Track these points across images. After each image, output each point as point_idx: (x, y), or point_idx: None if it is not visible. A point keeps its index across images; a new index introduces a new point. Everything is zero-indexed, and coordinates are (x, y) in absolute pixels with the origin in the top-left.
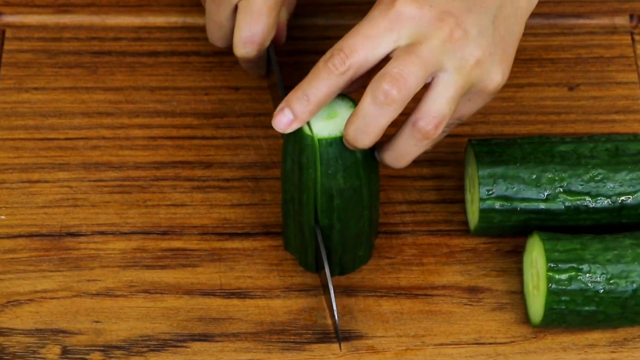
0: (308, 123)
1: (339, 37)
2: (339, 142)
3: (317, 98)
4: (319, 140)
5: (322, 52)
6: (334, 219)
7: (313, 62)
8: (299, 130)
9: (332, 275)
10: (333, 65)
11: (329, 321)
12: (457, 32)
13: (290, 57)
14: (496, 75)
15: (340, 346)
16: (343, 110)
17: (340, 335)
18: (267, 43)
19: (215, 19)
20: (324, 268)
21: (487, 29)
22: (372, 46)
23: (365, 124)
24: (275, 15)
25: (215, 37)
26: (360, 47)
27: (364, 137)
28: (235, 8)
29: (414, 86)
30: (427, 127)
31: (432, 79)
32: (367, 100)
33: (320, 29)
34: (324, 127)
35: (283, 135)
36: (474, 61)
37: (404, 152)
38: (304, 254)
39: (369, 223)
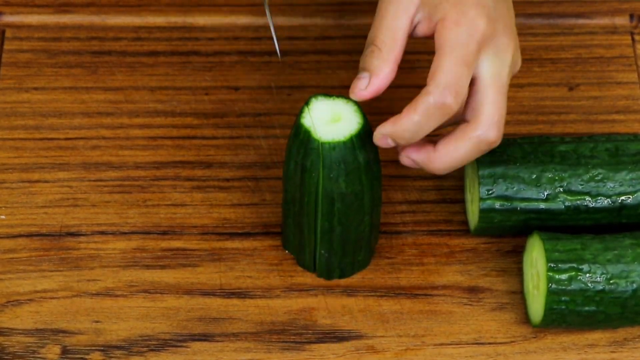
0: (313, 127)
1: (339, 37)
2: (342, 146)
3: (425, 132)
4: (322, 143)
5: (322, 52)
6: (335, 222)
7: (313, 62)
8: (306, 134)
9: (331, 278)
10: (449, 107)
11: (329, 321)
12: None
13: (291, 57)
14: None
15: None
16: (347, 114)
17: (279, 50)
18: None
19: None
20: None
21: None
22: (470, 71)
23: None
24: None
25: None
26: (466, 78)
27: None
28: None
29: None
30: (490, 136)
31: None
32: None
33: (320, 29)
34: (328, 131)
35: (289, 137)
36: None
37: (463, 162)
38: (302, 253)
39: (369, 228)
